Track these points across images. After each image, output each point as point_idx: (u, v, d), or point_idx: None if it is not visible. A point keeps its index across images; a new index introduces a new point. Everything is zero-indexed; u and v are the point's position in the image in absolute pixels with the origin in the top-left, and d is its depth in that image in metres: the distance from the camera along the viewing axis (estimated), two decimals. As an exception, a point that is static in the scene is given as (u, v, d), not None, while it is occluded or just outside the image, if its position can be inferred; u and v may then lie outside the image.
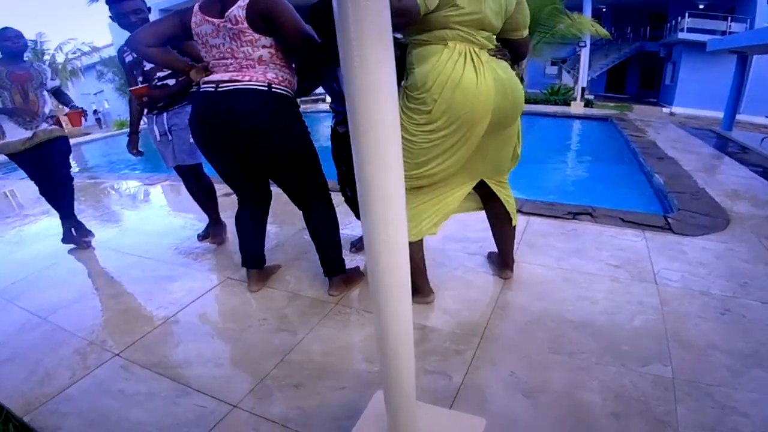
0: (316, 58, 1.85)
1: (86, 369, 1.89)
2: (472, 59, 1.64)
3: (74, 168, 6.54)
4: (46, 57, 19.34)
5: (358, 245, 2.68)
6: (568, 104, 10.15)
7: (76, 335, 2.12)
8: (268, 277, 2.44)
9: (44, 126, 2.78)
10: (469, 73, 1.62)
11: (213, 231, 2.91)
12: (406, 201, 1.83)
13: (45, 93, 2.83)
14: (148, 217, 3.92)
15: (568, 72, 15.26)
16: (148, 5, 2.57)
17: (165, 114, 2.57)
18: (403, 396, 1.04)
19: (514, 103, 1.75)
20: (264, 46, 1.79)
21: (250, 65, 1.81)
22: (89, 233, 3.16)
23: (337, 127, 2.28)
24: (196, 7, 1.80)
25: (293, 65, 1.97)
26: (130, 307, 2.34)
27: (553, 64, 17.46)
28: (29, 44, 2.49)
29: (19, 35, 2.75)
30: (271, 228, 2.44)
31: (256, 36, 1.76)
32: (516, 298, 2.11)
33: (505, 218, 2.14)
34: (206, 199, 2.88)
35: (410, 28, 1.63)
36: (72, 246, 3.09)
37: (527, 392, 1.55)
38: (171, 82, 2.48)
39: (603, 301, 2.03)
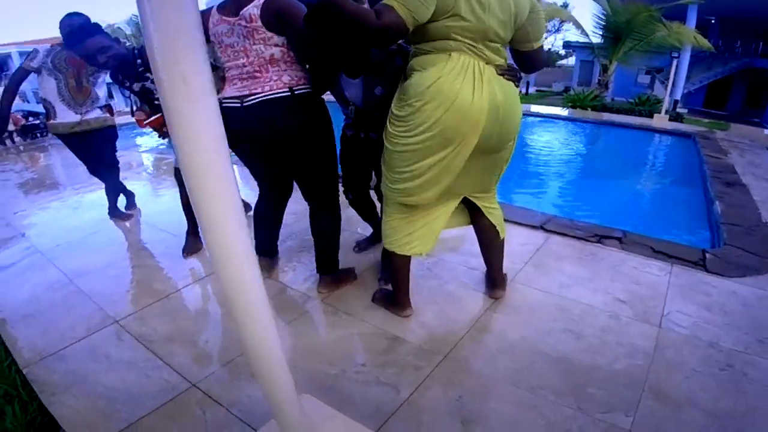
0: (326, 59, 1.88)
1: (87, 332, 2.10)
2: (474, 74, 1.56)
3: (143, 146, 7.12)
4: None
5: (362, 245, 2.71)
6: (651, 116, 9.37)
7: (91, 300, 2.36)
8: (276, 265, 2.54)
9: (96, 114, 3.02)
10: (466, 91, 1.55)
11: (189, 240, 2.92)
12: (391, 213, 1.84)
13: (101, 81, 3.06)
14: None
15: (662, 83, 14.05)
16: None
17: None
18: (278, 391, 1.06)
19: (504, 128, 1.66)
20: (276, 45, 1.82)
21: (263, 66, 1.85)
22: (134, 206, 3.46)
23: (346, 130, 2.30)
24: (215, 8, 1.88)
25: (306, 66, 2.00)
26: (143, 279, 2.54)
27: (647, 73, 16.21)
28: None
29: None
30: (287, 218, 2.51)
31: (269, 34, 1.79)
32: (497, 322, 2.03)
33: (492, 231, 2.05)
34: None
35: (413, 37, 1.59)
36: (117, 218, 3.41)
37: (466, 421, 1.50)
38: None
39: (590, 338, 1.89)
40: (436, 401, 1.59)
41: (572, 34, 14.18)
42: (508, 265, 2.44)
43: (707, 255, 2.58)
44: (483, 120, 1.58)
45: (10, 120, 10.69)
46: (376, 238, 2.69)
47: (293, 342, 1.95)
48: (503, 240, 2.10)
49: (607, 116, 9.74)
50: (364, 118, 2.14)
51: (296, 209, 2.74)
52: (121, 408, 1.62)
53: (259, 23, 1.78)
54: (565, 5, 14.19)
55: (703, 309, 2.08)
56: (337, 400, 1.60)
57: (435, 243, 1.97)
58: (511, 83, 1.67)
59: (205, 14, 1.89)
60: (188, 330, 2.07)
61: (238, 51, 1.86)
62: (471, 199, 1.95)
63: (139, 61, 2.53)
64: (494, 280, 2.20)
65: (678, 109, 10.97)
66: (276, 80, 1.84)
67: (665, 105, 9.24)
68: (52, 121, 2.89)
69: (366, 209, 2.55)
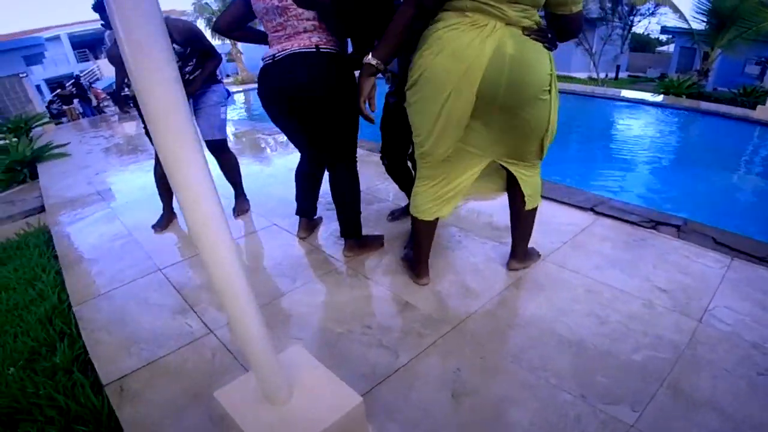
0: (355, 30, 1.90)
1: (134, 277, 2.31)
2: (483, 29, 1.47)
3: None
4: None
5: (396, 214, 2.70)
6: (754, 108, 8.25)
7: (142, 249, 2.59)
8: (316, 227, 2.62)
9: None
10: (466, 38, 1.47)
11: (237, 203, 3.03)
12: (419, 179, 1.81)
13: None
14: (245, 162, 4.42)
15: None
16: None
17: (190, 100, 2.71)
18: (253, 348, 1.10)
19: (514, 81, 1.52)
20: (308, 19, 1.88)
21: (298, 34, 1.91)
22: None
23: (389, 98, 2.27)
24: None
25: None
26: (189, 234, 2.73)
27: (757, 63, 14.37)
28: None
29: None
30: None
31: (299, 11, 1.86)
32: (516, 299, 1.94)
33: (520, 199, 1.94)
34: (232, 171, 3.00)
35: None
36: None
37: (457, 393, 1.47)
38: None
39: (614, 324, 1.76)
40: (432, 370, 1.57)
41: (669, 18, 12.84)
42: (545, 244, 2.35)
43: (781, 250, 2.27)
44: (480, 67, 1.49)
45: (92, 94, 11.80)
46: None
47: (310, 299, 2.01)
48: (532, 211, 1.98)
49: (702, 105, 8.77)
50: (403, 84, 2.10)
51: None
52: (145, 347, 1.78)
53: (290, 1, 1.83)
54: None
55: (756, 307, 1.85)
56: (338, 357, 1.64)
57: (456, 205, 1.92)
58: (536, 42, 1.54)
59: None
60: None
61: (276, 26, 1.93)
62: (503, 164, 1.85)
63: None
64: (513, 251, 2.12)
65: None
66: (305, 40, 1.90)
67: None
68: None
69: (402, 178, 2.52)
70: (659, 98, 9.40)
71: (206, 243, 0.96)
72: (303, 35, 1.90)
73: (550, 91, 1.63)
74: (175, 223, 2.93)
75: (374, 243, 2.38)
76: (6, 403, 1.60)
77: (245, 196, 3.09)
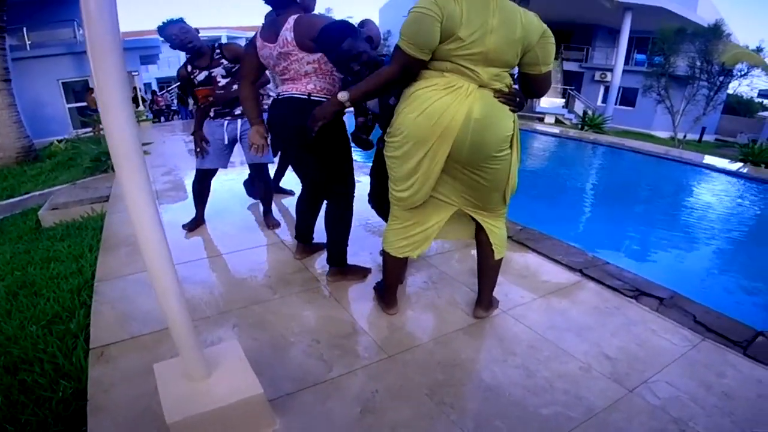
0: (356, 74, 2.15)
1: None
2: (458, 92, 1.69)
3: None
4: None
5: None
6: None
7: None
8: (313, 252, 2.90)
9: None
10: (443, 102, 1.69)
11: (266, 219, 3.40)
12: (392, 220, 2.04)
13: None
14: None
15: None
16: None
17: (239, 121, 3.10)
18: (178, 335, 1.38)
19: (476, 143, 1.73)
20: (308, 63, 2.14)
21: (300, 78, 2.20)
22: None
23: (380, 143, 2.49)
24: (258, 33, 2.25)
25: (339, 78, 2.30)
26: (208, 238, 3.13)
27: None
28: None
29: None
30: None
31: (301, 54, 2.12)
32: (459, 341, 2.07)
33: (487, 248, 2.09)
34: (266, 192, 3.38)
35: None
36: (222, 187, 4.13)
37: (365, 410, 1.64)
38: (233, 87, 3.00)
39: (539, 379, 1.84)
40: (354, 387, 1.76)
41: (763, 81, 12.04)
42: (515, 297, 2.45)
43: (759, 338, 2.20)
44: (454, 130, 1.70)
45: (155, 100, 13.01)
46: None
47: (280, 309, 2.28)
48: (499, 261, 2.13)
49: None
50: (383, 124, 2.36)
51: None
52: (134, 324, 2.13)
53: (293, 47, 2.09)
54: (759, 49, 12.04)
55: (701, 387, 1.84)
56: (279, 360, 1.89)
57: (426, 248, 2.11)
58: (503, 105, 1.75)
59: (252, 40, 2.28)
60: (216, 283, 2.54)
61: (281, 70, 2.22)
62: (470, 213, 2.04)
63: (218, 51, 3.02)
64: (479, 299, 2.24)
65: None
66: (303, 86, 2.19)
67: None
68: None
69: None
70: (735, 166, 8.82)
71: (145, 248, 1.26)
72: (303, 80, 2.18)
73: (511, 148, 1.82)
74: (203, 228, 3.36)
75: (357, 273, 2.59)
76: (19, 353, 2.01)
77: (272, 214, 3.46)
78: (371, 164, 2.63)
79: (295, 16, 2.08)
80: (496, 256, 2.10)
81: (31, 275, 2.81)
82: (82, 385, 1.79)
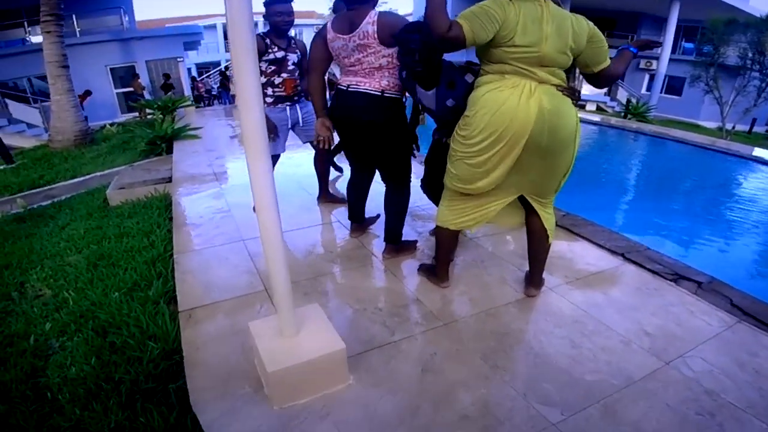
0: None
1: (223, 242, 3.00)
2: (522, 90, 1.86)
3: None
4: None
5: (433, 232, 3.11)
6: None
7: (235, 222, 3.31)
8: (365, 228, 3.13)
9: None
10: (513, 99, 1.86)
11: (325, 196, 3.70)
12: (447, 199, 2.23)
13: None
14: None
15: None
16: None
17: (297, 105, 3.32)
18: (279, 297, 1.62)
19: (552, 131, 1.89)
20: (384, 56, 2.28)
21: (371, 72, 2.33)
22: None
23: (435, 134, 2.62)
24: (329, 25, 2.40)
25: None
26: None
27: None
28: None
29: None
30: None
31: (380, 48, 2.27)
32: (508, 314, 2.27)
33: (542, 234, 2.26)
34: (325, 168, 3.66)
35: (480, 56, 1.97)
36: (277, 171, 4.40)
37: (425, 369, 1.87)
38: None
39: (584, 350, 2.02)
40: (414, 350, 1.99)
41: None
42: (558, 277, 2.61)
43: (796, 323, 2.31)
44: (531, 122, 1.86)
45: (195, 86, 13.22)
46: None
47: (344, 281, 2.53)
48: (549, 244, 2.30)
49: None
50: (441, 124, 2.53)
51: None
52: (216, 291, 2.42)
53: (374, 39, 2.24)
54: None
55: (734, 364, 1.98)
56: (348, 323, 2.14)
57: (480, 225, 2.27)
58: (565, 97, 1.92)
59: (322, 32, 2.43)
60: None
61: (353, 61, 2.35)
62: (529, 200, 2.20)
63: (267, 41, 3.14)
64: (532, 279, 2.42)
65: None
66: (376, 82, 2.35)
67: None
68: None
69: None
70: None
71: (263, 225, 1.51)
72: (376, 75, 2.33)
73: (576, 136, 1.98)
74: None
75: (409, 248, 2.83)
76: (105, 317, 2.30)
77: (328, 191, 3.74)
78: (425, 154, 2.82)
79: (377, 11, 2.25)
80: (549, 240, 2.27)
81: (107, 248, 3.14)
82: (169, 345, 2.07)
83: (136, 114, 12.78)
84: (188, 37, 15.97)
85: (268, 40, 3.10)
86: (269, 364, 1.59)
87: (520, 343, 2.05)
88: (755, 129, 18.21)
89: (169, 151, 6.29)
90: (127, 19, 15.81)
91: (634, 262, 2.85)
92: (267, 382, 1.65)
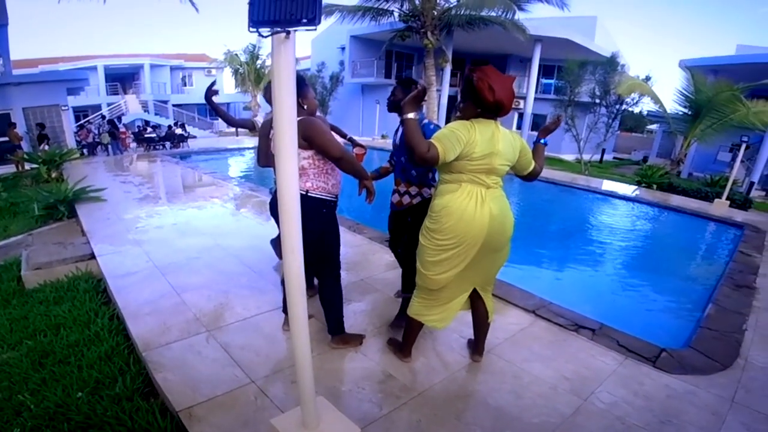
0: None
1: (188, 334, 3.14)
2: (476, 198, 2.37)
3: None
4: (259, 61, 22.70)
5: (399, 293, 3.59)
6: (712, 201, 9.44)
7: (190, 310, 3.45)
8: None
9: None
10: (471, 209, 2.36)
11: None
12: (419, 295, 2.69)
13: None
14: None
15: (743, 162, 13.70)
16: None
17: None
18: (305, 387, 1.95)
19: (502, 233, 2.45)
20: (304, 158, 2.54)
21: (300, 174, 2.52)
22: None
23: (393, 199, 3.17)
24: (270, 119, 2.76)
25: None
26: (227, 302, 3.59)
27: (730, 150, 15.82)
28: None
29: None
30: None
31: (297, 150, 2.43)
32: (463, 378, 2.80)
33: (485, 315, 2.82)
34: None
35: (441, 168, 2.42)
36: (209, 244, 4.56)
37: (417, 436, 2.31)
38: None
39: (526, 399, 2.61)
40: (402, 419, 2.41)
41: (652, 106, 14.35)
42: (492, 339, 3.21)
43: (663, 354, 3.16)
44: (485, 227, 2.37)
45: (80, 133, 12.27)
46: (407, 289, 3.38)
47: (322, 364, 2.85)
48: (490, 322, 2.87)
49: (673, 199, 10.10)
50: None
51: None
52: (204, 387, 2.59)
53: None
54: (648, 78, 14.41)
55: (630, 393, 2.72)
56: (342, 405, 2.47)
57: (449, 323, 2.76)
58: (505, 201, 2.48)
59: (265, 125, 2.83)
60: (256, 345, 3.05)
61: None
62: (478, 289, 2.71)
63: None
64: (477, 348, 2.98)
65: (755, 190, 10.86)
66: (302, 184, 2.55)
67: (728, 188, 9.34)
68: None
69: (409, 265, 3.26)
70: (631, 190, 10.74)
71: (295, 323, 1.85)
72: (302, 177, 2.53)
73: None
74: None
75: (353, 340, 3.11)
76: (80, 419, 2.33)
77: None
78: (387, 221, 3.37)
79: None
80: (489, 320, 2.85)
81: (46, 343, 3.02)
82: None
83: (13, 166, 11.43)
84: (72, 83, 14.74)
85: None
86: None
87: (480, 402, 2.58)
88: (606, 157, 22.14)
89: (71, 214, 5.88)
90: (1, 62, 14.09)
91: (544, 318, 3.59)
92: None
